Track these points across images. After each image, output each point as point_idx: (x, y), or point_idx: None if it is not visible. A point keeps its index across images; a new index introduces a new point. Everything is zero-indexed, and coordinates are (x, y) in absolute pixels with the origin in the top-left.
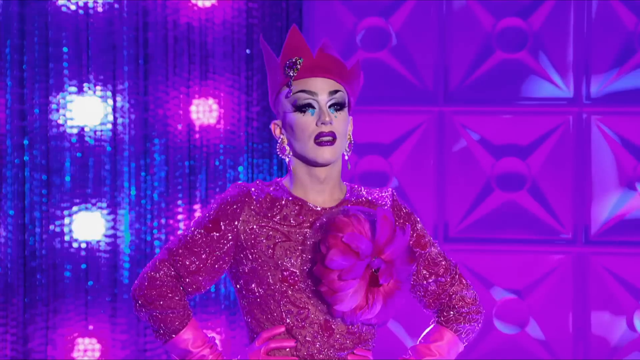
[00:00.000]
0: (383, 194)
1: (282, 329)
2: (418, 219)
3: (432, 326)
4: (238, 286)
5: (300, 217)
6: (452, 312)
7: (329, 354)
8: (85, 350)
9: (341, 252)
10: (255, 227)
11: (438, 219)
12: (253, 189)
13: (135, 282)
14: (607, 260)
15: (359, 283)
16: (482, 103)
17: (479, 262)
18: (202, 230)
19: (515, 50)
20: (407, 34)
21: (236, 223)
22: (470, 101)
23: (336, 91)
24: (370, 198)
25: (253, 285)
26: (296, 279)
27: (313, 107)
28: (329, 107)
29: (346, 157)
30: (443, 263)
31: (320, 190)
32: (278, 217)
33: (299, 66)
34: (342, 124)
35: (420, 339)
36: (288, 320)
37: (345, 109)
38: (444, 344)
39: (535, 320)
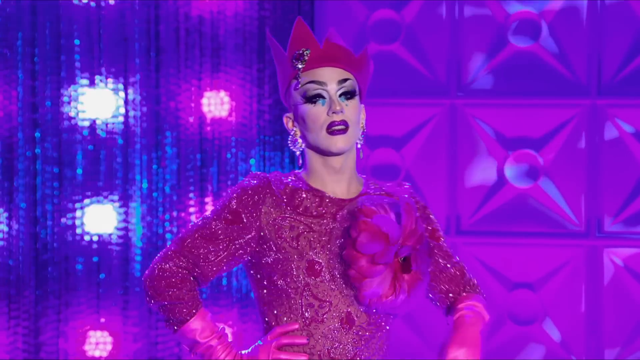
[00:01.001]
0: (400, 187)
1: (296, 326)
2: (432, 213)
3: (459, 300)
4: (259, 276)
5: (321, 208)
6: (476, 289)
7: (346, 348)
8: (97, 343)
9: (372, 236)
10: (277, 218)
11: (450, 212)
12: (272, 180)
13: (146, 272)
14: (621, 253)
15: (386, 270)
16: (495, 95)
17: (492, 255)
18: (221, 222)
19: (528, 42)
20: (419, 26)
21: (258, 214)
22: (482, 93)
23: (345, 79)
24: (388, 191)
25: (275, 277)
26: (321, 269)
27: (323, 97)
28: (339, 96)
29: (359, 146)
30: (453, 254)
31: (337, 180)
32: (299, 209)
33: (306, 57)
34: (353, 112)
35: (456, 311)
36: (307, 314)
37: (356, 97)
38: (481, 307)
39: (548, 314)
